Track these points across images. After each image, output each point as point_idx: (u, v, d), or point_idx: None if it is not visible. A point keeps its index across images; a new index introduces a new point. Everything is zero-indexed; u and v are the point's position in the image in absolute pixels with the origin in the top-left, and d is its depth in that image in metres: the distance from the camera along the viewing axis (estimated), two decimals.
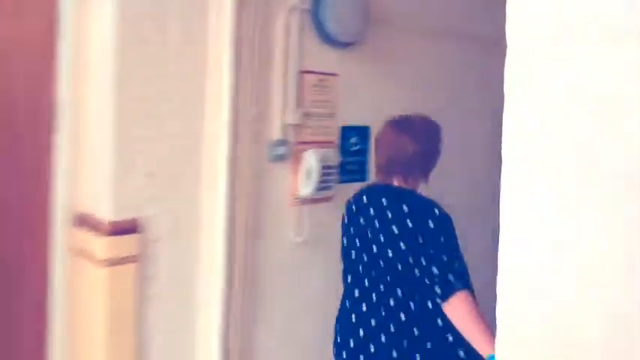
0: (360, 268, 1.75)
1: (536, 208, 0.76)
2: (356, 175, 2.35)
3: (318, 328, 2.17)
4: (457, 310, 1.51)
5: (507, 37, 0.79)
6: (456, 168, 2.56)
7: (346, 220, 1.86)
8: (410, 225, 1.62)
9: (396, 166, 1.79)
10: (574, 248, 0.72)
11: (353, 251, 1.79)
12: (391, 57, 2.46)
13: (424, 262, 1.57)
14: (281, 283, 2.15)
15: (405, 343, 1.62)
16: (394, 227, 1.65)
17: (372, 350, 1.66)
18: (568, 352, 0.73)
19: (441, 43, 2.66)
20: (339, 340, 1.78)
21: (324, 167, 2.12)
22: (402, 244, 1.62)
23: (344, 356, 1.74)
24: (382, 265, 1.68)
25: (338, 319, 1.82)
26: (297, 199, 2.16)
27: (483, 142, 2.79)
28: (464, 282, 1.56)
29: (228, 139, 1.91)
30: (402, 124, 1.82)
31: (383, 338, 1.64)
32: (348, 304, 1.77)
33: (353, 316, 1.73)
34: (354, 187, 1.98)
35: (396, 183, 1.80)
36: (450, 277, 1.53)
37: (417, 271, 1.59)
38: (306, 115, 2.15)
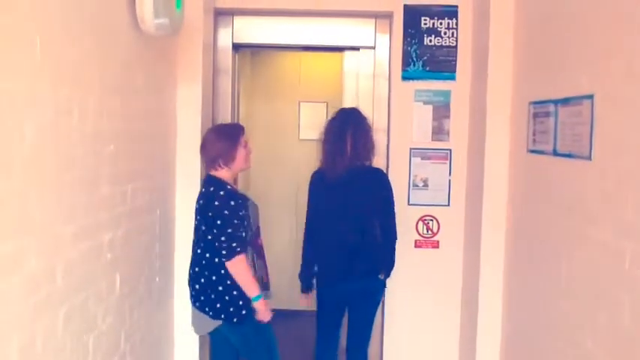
0: (194, 241, 2.48)
1: None
2: None
3: None
4: (236, 266, 2.33)
5: None
6: None
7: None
8: (216, 203, 2.34)
9: (214, 160, 2.43)
10: None
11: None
12: None
13: (222, 232, 2.32)
14: None
15: (214, 284, 2.39)
16: (208, 211, 2.34)
17: (197, 287, 2.44)
18: None
19: None
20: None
21: None
22: (214, 222, 2.32)
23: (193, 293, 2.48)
24: (197, 237, 2.44)
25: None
26: None
27: None
28: (244, 248, 2.35)
29: None
30: (225, 129, 2.57)
31: (202, 280, 2.41)
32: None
33: (194, 270, 2.47)
34: None
35: (212, 173, 2.46)
36: (234, 244, 2.32)
37: (219, 239, 2.32)
38: None
